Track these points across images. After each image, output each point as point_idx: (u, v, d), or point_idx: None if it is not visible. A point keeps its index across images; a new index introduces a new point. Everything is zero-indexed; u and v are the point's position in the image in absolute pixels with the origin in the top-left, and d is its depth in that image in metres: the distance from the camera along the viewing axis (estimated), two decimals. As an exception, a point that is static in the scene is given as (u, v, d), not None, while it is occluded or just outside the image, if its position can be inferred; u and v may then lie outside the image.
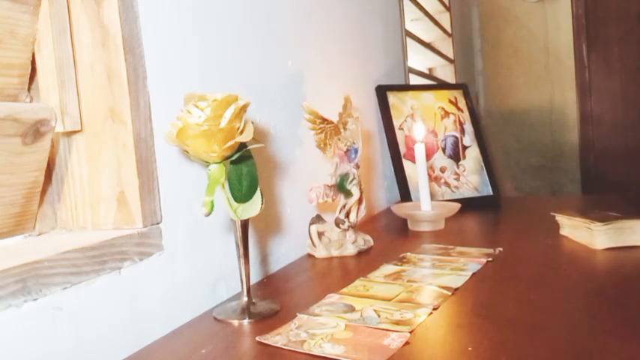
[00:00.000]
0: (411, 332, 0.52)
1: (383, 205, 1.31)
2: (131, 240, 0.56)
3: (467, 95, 1.43)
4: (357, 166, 0.86)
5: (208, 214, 0.57)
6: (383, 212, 1.27)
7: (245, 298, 0.62)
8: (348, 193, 0.85)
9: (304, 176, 0.91)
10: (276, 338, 0.53)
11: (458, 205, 1.03)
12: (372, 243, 0.89)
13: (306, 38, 0.97)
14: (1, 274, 0.43)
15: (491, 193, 1.29)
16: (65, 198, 0.60)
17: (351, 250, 0.85)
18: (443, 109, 1.37)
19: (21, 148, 0.51)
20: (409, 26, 1.60)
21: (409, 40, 1.58)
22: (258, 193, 0.61)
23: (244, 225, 0.61)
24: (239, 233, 0.60)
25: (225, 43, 0.73)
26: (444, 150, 1.32)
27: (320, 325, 0.55)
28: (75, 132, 0.58)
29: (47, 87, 0.55)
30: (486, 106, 2.61)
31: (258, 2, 0.81)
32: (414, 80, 1.63)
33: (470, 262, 0.75)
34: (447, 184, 1.28)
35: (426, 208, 1.04)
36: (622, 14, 2.29)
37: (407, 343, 0.50)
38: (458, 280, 0.67)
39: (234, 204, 0.60)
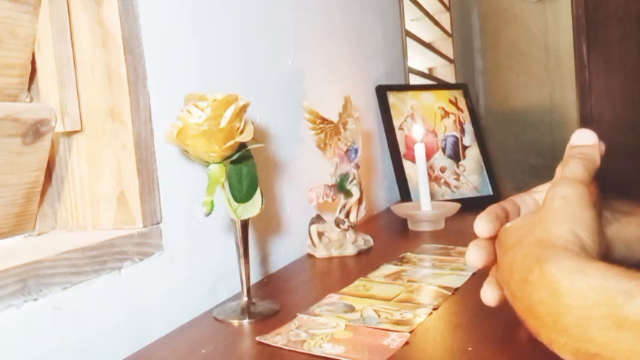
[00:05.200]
0: (411, 332, 0.52)
1: (383, 205, 1.31)
2: (131, 240, 0.56)
3: (467, 95, 1.42)
4: (357, 166, 0.86)
5: (208, 214, 0.57)
6: (383, 212, 1.26)
7: (245, 298, 0.62)
8: (348, 193, 0.85)
9: (304, 176, 0.91)
10: (276, 338, 0.53)
11: (458, 205, 1.03)
12: (372, 243, 0.89)
13: (306, 38, 0.97)
14: (1, 274, 0.43)
15: (492, 193, 1.29)
16: (65, 198, 0.60)
17: (351, 250, 0.85)
18: (443, 109, 1.37)
19: (21, 148, 0.51)
20: (409, 26, 1.60)
21: (409, 40, 1.58)
22: (258, 193, 0.61)
23: (244, 225, 0.61)
24: (239, 233, 0.60)
25: (225, 43, 0.73)
26: (444, 150, 1.32)
27: (320, 325, 0.55)
28: (75, 132, 0.58)
29: (47, 87, 0.55)
30: (486, 106, 2.61)
31: (258, 2, 0.81)
32: (414, 80, 1.63)
33: (470, 262, 0.75)
34: (447, 184, 1.28)
35: (426, 208, 1.04)
36: (622, 14, 2.29)
37: (407, 343, 0.50)
38: (458, 280, 0.67)
39: (234, 204, 0.60)
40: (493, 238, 0.45)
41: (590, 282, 0.32)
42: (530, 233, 0.38)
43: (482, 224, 0.43)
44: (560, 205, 0.38)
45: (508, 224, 0.43)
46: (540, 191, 0.48)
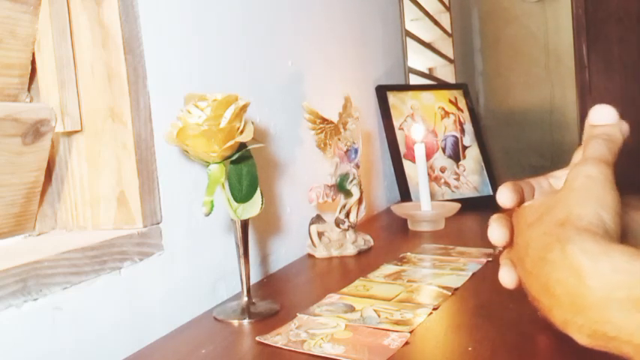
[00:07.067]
0: (411, 332, 0.52)
1: (383, 205, 1.31)
2: (131, 240, 0.56)
3: (467, 95, 1.43)
4: (357, 166, 0.86)
5: (208, 214, 0.57)
6: (383, 212, 1.26)
7: (245, 298, 0.62)
8: (348, 193, 0.85)
9: (304, 176, 0.91)
10: (276, 338, 0.53)
11: (458, 205, 1.03)
12: (372, 243, 0.89)
13: (306, 38, 0.97)
14: (1, 274, 0.43)
15: (492, 193, 1.29)
16: (65, 198, 0.60)
17: (351, 250, 0.85)
18: (443, 109, 1.37)
19: (21, 148, 0.51)
20: (409, 26, 1.60)
21: (409, 40, 1.58)
22: (258, 193, 0.61)
23: (244, 225, 0.61)
24: (239, 233, 0.60)
25: (225, 43, 0.73)
26: (444, 150, 1.32)
27: (320, 325, 0.55)
28: (75, 132, 0.58)
29: (47, 87, 0.55)
30: (486, 106, 2.60)
31: (258, 2, 0.81)
32: (414, 80, 1.63)
33: (470, 262, 0.75)
34: (447, 184, 1.28)
35: (426, 208, 1.04)
36: (622, 14, 2.29)
37: (407, 343, 0.50)
38: (458, 280, 0.67)
39: (234, 204, 0.60)
40: (510, 215, 0.45)
41: (614, 265, 0.31)
42: (551, 212, 0.38)
43: (506, 193, 0.43)
44: (583, 184, 0.38)
45: (526, 203, 0.43)
46: (557, 176, 0.48)
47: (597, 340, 0.32)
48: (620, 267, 0.31)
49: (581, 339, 0.34)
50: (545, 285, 0.36)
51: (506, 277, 0.44)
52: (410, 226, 1.04)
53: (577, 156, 0.47)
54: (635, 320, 0.30)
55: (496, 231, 0.44)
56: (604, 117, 0.43)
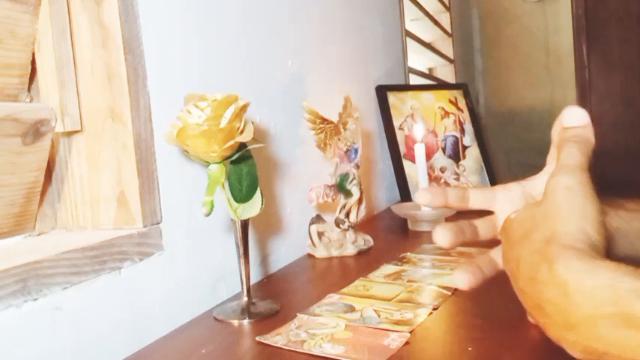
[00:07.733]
0: (411, 332, 0.52)
1: (383, 205, 1.31)
2: (131, 240, 0.56)
3: (467, 95, 1.42)
4: (357, 166, 0.86)
5: (208, 214, 0.57)
6: (383, 212, 1.26)
7: (245, 298, 0.62)
8: (348, 193, 0.85)
9: (304, 176, 0.91)
10: (276, 338, 0.53)
11: (458, 205, 1.03)
12: (372, 243, 0.89)
13: (306, 38, 0.97)
14: (1, 274, 0.43)
15: (492, 193, 1.29)
16: (65, 198, 0.60)
17: (351, 250, 0.85)
18: (443, 109, 1.37)
19: (21, 148, 0.51)
20: (409, 26, 1.60)
21: (409, 40, 1.58)
22: (258, 193, 0.61)
23: (244, 225, 0.61)
24: (239, 233, 0.60)
25: (225, 43, 0.73)
26: (444, 150, 1.32)
27: (320, 325, 0.55)
28: (75, 132, 0.58)
29: (47, 87, 0.55)
30: (486, 106, 2.60)
31: (258, 2, 0.81)
32: (414, 80, 1.63)
33: (470, 262, 0.75)
34: (447, 184, 1.28)
35: (426, 208, 1.04)
36: (622, 14, 2.29)
37: (407, 343, 0.50)
38: (458, 280, 0.67)
39: (234, 204, 0.60)
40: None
41: (599, 281, 0.32)
42: (537, 228, 0.38)
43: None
44: (564, 197, 0.38)
45: (513, 214, 0.43)
46: (533, 181, 0.49)
47: (590, 355, 0.33)
48: (604, 283, 0.32)
49: (576, 354, 0.34)
50: (537, 304, 0.36)
51: (460, 280, 0.46)
52: (410, 226, 1.04)
53: (551, 159, 0.48)
54: (622, 336, 0.30)
55: (442, 234, 0.46)
56: (577, 119, 0.44)
